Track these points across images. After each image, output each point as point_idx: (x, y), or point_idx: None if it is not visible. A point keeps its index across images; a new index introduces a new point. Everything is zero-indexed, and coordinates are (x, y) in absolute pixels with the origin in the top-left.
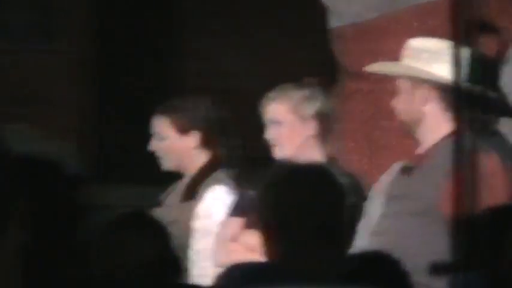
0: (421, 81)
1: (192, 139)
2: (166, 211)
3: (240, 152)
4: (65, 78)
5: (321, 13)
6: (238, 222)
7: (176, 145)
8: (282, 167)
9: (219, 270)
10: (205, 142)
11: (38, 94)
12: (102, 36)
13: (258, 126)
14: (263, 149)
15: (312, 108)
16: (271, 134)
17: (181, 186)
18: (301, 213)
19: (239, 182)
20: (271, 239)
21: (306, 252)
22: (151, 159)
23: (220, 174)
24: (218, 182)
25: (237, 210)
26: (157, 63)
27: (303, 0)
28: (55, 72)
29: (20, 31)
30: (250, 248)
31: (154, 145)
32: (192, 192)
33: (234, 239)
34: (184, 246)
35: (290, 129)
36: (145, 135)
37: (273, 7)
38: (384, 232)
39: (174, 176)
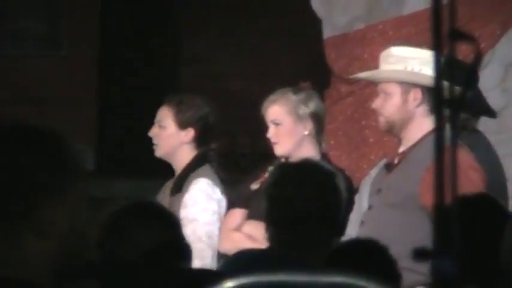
0: (412, 85)
1: (188, 134)
2: None
3: (227, 149)
4: (70, 81)
5: (315, 23)
6: (241, 213)
7: (173, 136)
8: (285, 166)
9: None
10: (197, 139)
11: (46, 95)
12: (104, 43)
13: (248, 124)
14: (253, 146)
15: (307, 109)
16: (271, 133)
17: (171, 181)
18: (304, 207)
19: (225, 177)
20: (276, 230)
21: (306, 241)
22: (149, 155)
23: (206, 169)
24: (203, 175)
25: (240, 202)
26: (156, 66)
27: (297, 12)
28: (61, 76)
29: (30, 39)
30: (252, 236)
31: (154, 132)
32: (180, 185)
33: (237, 228)
34: None
35: (288, 128)
36: (144, 133)
37: (267, 16)
38: (370, 222)
39: (171, 170)
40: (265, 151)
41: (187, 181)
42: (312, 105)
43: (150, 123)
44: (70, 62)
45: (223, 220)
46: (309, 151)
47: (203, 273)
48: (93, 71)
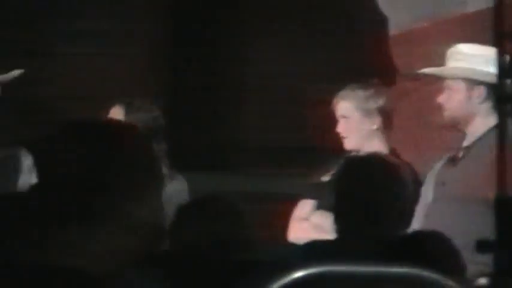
0: (477, 82)
1: None
2: None
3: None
4: (135, 79)
5: (381, 21)
6: (310, 204)
7: None
8: (353, 160)
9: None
10: None
11: (112, 93)
12: (172, 42)
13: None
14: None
15: (375, 105)
16: (340, 127)
17: None
18: (372, 199)
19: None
20: (343, 221)
21: (373, 233)
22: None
23: None
24: None
25: (310, 194)
26: (220, 65)
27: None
28: (126, 74)
29: (99, 38)
30: (320, 226)
31: None
32: None
33: (305, 218)
34: None
35: (357, 123)
36: (212, 128)
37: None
38: (434, 215)
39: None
40: (332, 146)
41: None
42: (380, 101)
43: (215, 119)
44: (133, 61)
45: (294, 211)
46: (377, 145)
47: (272, 263)
48: (161, 69)
